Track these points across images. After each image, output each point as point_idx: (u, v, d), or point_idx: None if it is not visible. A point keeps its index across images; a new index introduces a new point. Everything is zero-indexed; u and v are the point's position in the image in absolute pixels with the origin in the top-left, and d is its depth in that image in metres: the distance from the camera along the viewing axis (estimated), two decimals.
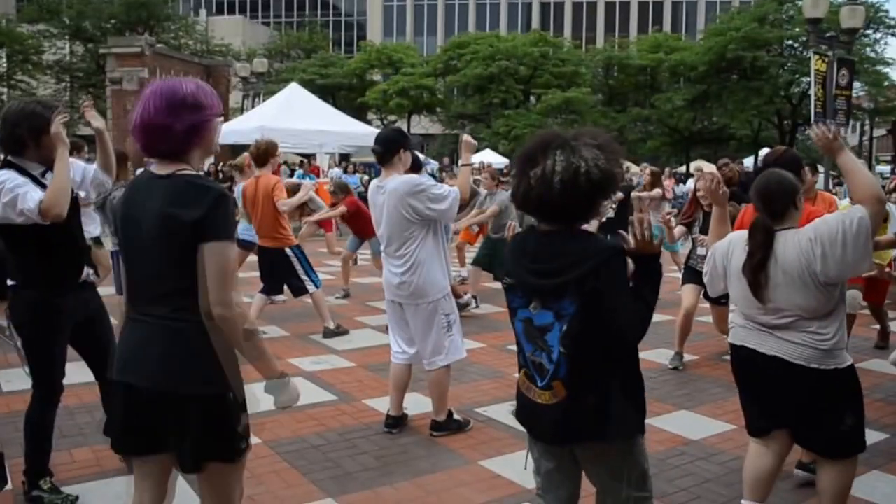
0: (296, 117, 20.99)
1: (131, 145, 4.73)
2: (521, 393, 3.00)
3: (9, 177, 4.01)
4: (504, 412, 5.88)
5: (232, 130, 18.55)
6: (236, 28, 60.31)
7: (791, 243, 3.68)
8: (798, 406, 3.76)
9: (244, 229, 9.63)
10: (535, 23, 65.43)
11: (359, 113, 41.98)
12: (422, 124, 52.40)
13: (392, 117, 50.98)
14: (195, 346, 2.72)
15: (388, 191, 5.35)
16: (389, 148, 5.42)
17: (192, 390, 2.71)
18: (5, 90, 43.48)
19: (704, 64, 41.94)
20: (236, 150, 18.79)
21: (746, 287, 3.78)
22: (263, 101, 25.62)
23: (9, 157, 4.19)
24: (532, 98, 47.46)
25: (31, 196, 3.94)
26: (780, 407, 3.83)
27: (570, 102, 43.83)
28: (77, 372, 6.82)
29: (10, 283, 4.24)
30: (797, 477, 4.69)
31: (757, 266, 3.72)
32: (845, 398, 3.74)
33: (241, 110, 30.87)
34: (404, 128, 49.70)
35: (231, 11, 70.51)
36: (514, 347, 3.01)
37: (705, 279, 4.22)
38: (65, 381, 6.50)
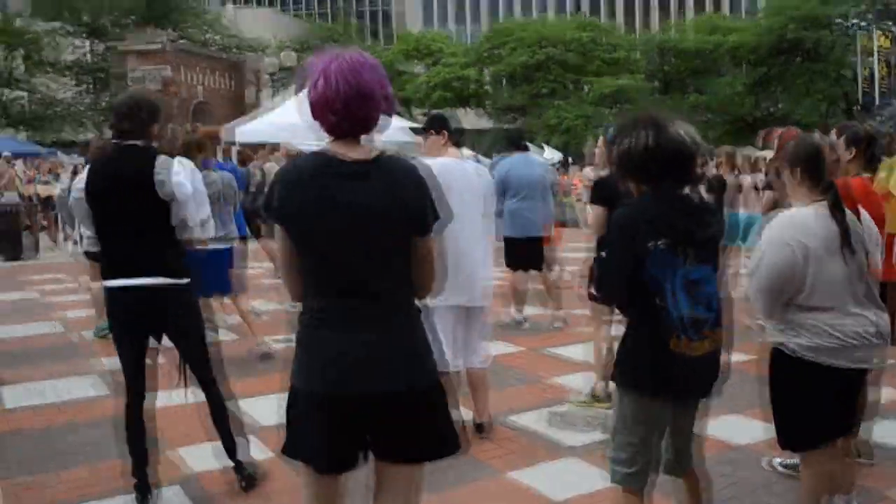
0: None
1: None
2: (671, 353, 3.09)
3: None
4: (540, 420, 5.78)
5: (257, 130, 17.94)
6: (265, 21, 60.73)
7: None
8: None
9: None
10: (585, 6, 65.08)
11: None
12: (468, 119, 52.36)
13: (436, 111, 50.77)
14: (423, 336, 2.72)
15: (482, 172, 5.55)
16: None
17: (428, 381, 2.71)
18: (25, 94, 43.86)
19: (763, 46, 41.36)
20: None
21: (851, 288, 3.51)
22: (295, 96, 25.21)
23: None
24: (585, 87, 47.10)
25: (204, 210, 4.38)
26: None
27: (623, 91, 43.45)
28: (76, 387, 6.87)
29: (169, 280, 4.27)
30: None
31: None
32: None
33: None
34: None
35: (259, 4, 71.14)
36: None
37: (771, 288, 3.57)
38: (62, 398, 6.54)
